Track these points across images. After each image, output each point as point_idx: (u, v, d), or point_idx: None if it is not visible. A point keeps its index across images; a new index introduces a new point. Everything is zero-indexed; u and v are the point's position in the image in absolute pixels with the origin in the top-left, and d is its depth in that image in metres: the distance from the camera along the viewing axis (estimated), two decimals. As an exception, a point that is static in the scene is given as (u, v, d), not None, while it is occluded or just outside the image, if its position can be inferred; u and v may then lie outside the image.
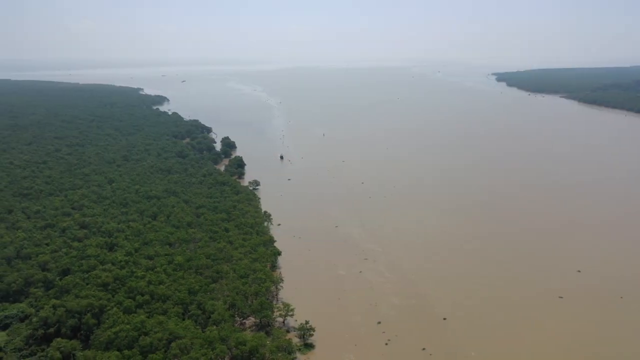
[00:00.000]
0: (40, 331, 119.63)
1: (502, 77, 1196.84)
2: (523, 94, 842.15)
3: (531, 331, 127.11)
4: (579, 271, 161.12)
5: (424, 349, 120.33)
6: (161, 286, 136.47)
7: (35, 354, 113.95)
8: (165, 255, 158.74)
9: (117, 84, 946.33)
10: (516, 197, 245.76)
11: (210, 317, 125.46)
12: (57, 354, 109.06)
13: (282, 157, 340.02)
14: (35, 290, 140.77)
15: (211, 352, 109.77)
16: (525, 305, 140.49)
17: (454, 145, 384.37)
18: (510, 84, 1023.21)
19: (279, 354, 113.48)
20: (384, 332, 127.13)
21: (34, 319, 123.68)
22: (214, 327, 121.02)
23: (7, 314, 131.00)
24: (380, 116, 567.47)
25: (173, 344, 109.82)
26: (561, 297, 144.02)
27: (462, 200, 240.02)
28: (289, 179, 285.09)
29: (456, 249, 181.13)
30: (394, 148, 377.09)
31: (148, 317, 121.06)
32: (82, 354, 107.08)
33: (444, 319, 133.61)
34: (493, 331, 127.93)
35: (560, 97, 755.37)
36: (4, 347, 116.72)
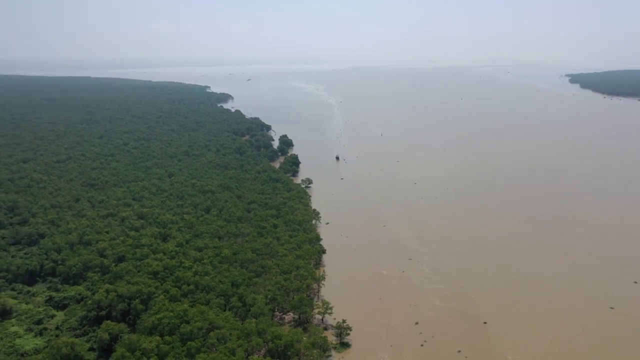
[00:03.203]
0: (93, 313, 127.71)
1: (575, 79, 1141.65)
2: (598, 96, 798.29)
3: (574, 340, 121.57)
4: (636, 282, 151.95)
5: (459, 351, 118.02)
6: (206, 277, 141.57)
7: (87, 334, 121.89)
8: (214, 247, 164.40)
9: (187, 82, 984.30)
10: (574, 206, 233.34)
11: (250, 310, 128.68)
12: (106, 335, 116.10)
13: (337, 158, 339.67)
14: (92, 274, 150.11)
15: (247, 344, 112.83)
16: (572, 313, 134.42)
17: (513, 151, 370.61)
18: (584, 86, 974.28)
19: (314, 351, 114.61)
20: (420, 333, 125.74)
21: (89, 302, 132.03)
22: (253, 320, 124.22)
23: (66, 295, 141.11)
24: (441, 118, 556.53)
25: (211, 334, 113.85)
26: (612, 308, 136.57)
27: (515, 207, 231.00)
28: (342, 178, 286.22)
29: (505, 254, 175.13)
30: (451, 150, 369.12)
31: (191, 306, 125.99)
32: (127, 336, 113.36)
33: (485, 322, 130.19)
34: (534, 337, 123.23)
35: (639, 100, 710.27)
36: (60, 325, 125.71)
